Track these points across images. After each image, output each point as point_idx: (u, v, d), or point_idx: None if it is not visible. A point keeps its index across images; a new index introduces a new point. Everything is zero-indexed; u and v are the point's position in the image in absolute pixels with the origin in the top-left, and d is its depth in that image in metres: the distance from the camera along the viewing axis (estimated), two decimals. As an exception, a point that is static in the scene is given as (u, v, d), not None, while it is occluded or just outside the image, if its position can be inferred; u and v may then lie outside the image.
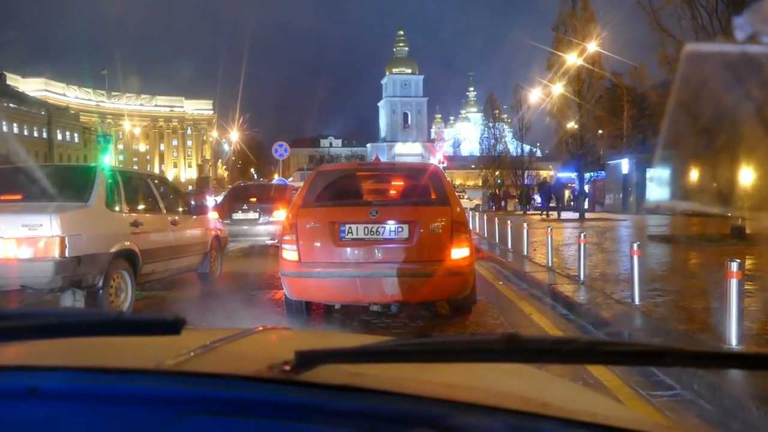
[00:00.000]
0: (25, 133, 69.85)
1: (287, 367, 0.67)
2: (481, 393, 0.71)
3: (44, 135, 73.60)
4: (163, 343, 0.76)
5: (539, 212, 29.70)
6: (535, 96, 30.71)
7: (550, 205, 28.14)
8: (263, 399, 0.64)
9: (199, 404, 0.64)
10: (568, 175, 30.54)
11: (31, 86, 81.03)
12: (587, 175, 31.13)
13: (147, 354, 0.76)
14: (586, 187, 29.42)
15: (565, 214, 26.77)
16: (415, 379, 0.70)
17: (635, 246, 5.57)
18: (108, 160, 28.50)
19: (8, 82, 73.39)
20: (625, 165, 31.67)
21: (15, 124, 68.22)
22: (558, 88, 26.71)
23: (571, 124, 27.08)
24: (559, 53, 25.66)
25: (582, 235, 7.07)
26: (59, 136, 76.58)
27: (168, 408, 0.65)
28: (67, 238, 4.69)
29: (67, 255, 4.68)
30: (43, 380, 0.69)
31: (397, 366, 0.71)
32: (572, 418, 0.60)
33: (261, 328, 1.13)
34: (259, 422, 0.63)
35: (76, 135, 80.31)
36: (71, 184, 5.60)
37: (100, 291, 5.14)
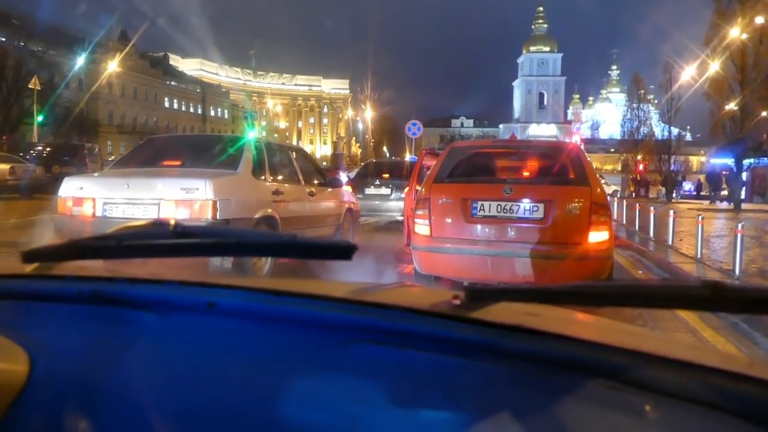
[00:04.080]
0: (183, 108, 76.66)
1: (457, 302, 0.65)
2: (673, 345, 0.64)
3: (198, 111, 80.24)
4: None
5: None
6: (688, 74, 28.16)
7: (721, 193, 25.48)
8: (430, 332, 0.63)
9: (366, 333, 0.65)
10: (724, 161, 27.69)
11: (189, 66, 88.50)
12: (746, 162, 28.07)
13: (316, 281, 0.78)
14: (744, 175, 26.63)
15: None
16: (596, 325, 0.66)
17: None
18: (253, 136, 30.55)
19: (170, 62, 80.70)
20: (793, 152, 28.10)
21: (175, 100, 75.07)
22: (717, 66, 24.27)
23: (731, 106, 24.55)
24: (721, 26, 23.25)
25: (739, 225, 6.42)
26: (211, 112, 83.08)
27: (334, 334, 0.66)
28: (218, 202, 5.07)
29: (218, 218, 5.07)
30: (221, 297, 0.73)
31: (569, 312, 0.67)
32: None
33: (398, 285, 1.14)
34: (423, 355, 0.62)
35: (225, 111, 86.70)
36: (223, 153, 6.04)
37: (245, 253, 5.52)
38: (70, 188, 5.52)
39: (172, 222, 0.75)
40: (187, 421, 0.61)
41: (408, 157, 22.94)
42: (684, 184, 40.28)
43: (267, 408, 0.61)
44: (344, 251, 0.68)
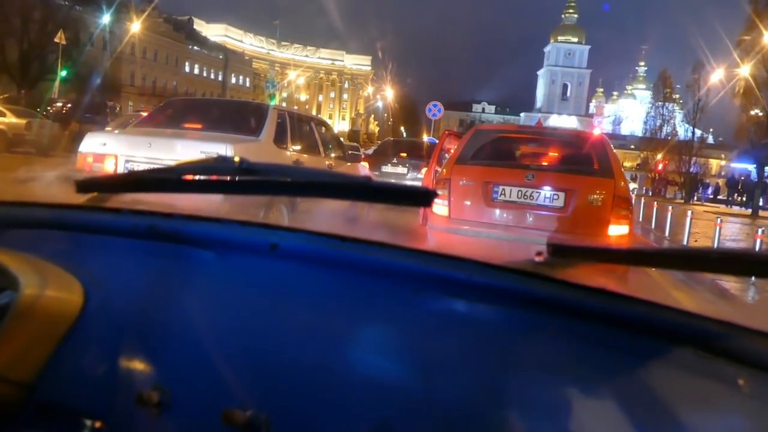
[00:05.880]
0: (204, 74, 76.40)
1: (540, 258, 0.64)
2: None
3: (220, 77, 79.99)
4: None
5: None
6: (717, 76, 27.64)
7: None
8: (507, 288, 0.62)
9: (438, 284, 0.64)
10: (745, 166, 27.29)
11: (213, 31, 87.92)
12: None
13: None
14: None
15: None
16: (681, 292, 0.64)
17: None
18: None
19: (195, 26, 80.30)
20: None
21: (196, 66, 74.82)
22: (747, 68, 23.77)
23: (758, 111, 24.12)
24: (756, 27, 22.71)
25: (759, 231, 6.35)
26: (233, 80, 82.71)
27: (404, 283, 0.64)
28: (239, 167, 5.07)
29: (237, 183, 5.08)
30: (284, 239, 0.71)
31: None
32: None
33: None
34: (499, 310, 0.61)
35: (247, 80, 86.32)
36: (245, 119, 6.02)
37: (261, 220, 5.52)
38: (93, 144, 5.51)
39: (237, 158, 0.72)
40: (246, 361, 0.60)
41: (426, 137, 22.79)
42: (708, 187, 39.68)
43: (330, 353, 0.59)
44: (423, 197, 0.66)
